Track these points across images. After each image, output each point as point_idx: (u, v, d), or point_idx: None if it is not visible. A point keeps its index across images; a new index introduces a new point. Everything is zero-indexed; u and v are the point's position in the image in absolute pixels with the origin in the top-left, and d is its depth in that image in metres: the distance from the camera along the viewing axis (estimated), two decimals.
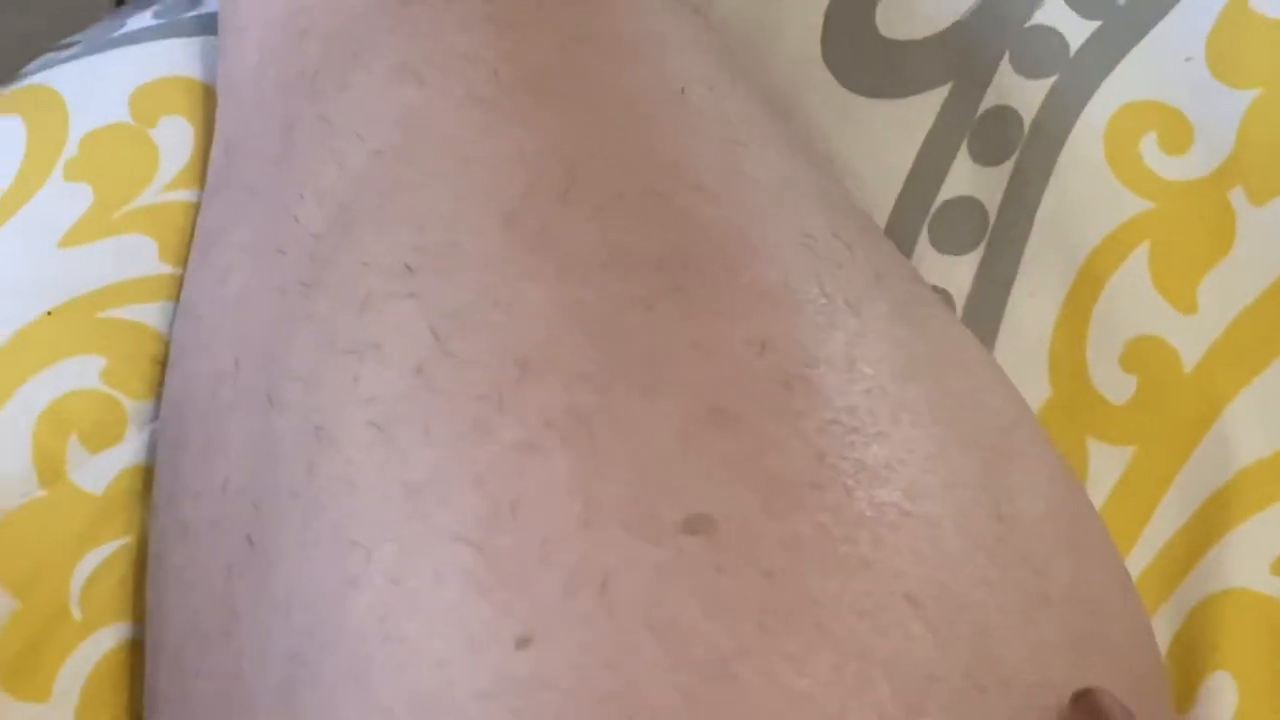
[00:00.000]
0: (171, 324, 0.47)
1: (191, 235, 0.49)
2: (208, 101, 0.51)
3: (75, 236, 0.48)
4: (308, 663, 0.35)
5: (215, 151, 0.45)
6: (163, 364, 0.48)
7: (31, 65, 0.56)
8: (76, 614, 0.45)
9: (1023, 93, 0.49)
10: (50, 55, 0.54)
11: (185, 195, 0.49)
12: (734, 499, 0.35)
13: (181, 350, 0.43)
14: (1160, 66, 0.49)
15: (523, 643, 0.33)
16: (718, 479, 0.35)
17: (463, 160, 0.40)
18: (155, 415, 0.49)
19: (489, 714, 0.33)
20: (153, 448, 0.48)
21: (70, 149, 0.50)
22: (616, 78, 0.43)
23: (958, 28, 0.50)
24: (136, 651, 0.46)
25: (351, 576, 0.34)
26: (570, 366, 0.36)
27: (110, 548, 0.46)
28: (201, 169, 0.51)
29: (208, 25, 0.53)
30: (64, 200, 0.49)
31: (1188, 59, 0.49)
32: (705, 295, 0.37)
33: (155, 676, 0.40)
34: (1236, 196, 0.47)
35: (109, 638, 0.45)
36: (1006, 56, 0.50)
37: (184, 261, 0.49)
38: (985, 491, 0.37)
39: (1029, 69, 0.50)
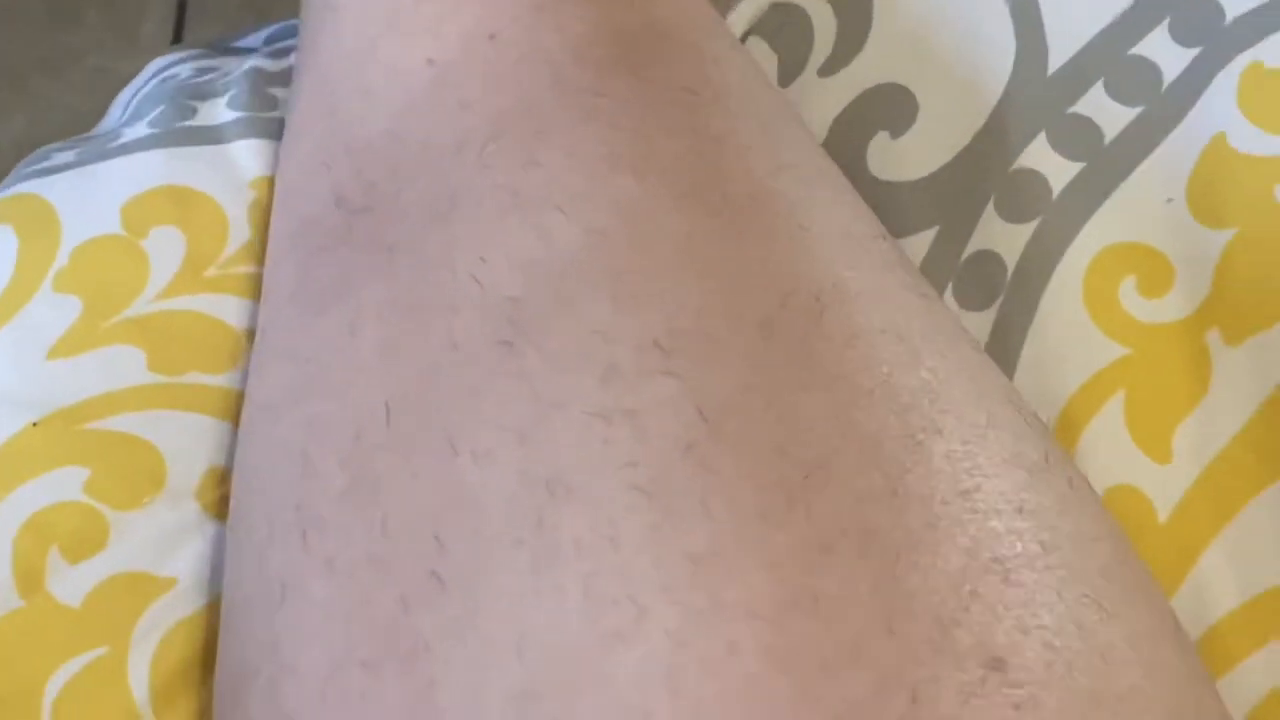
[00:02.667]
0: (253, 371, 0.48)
1: (258, 299, 0.50)
2: (200, 209, 0.51)
3: (63, 348, 0.49)
4: (548, 701, 0.35)
5: (311, 210, 0.45)
6: (150, 470, 0.48)
7: (25, 169, 0.54)
8: None
9: (1006, 237, 0.49)
10: (45, 164, 0.54)
11: (176, 304, 0.50)
12: (1015, 648, 0.36)
13: (293, 396, 0.43)
14: (1142, 208, 0.50)
15: None
16: (1004, 625, 0.36)
17: (702, 259, 0.41)
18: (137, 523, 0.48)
19: None
20: (133, 556, 0.47)
21: (60, 260, 0.50)
22: (828, 210, 0.44)
23: (946, 170, 0.51)
24: None
25: (617, 630, 0.35)
26: (854, 483, 0.37)
27: (84, 659, 0.45)
28: (193, 277, 0.51)
29: (204, 136, 0.53)
30: (53, 311, 0.49)
31: (1169, 200, 0.49)
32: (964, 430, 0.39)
33: (281, 701, 0.40)
34: (1212, 338, 0.48)
35: None
36: (991, 201, 0.50)
37: (174, 370, 0.49)
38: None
39: (1012, 213, 0.50)
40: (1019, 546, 0.38)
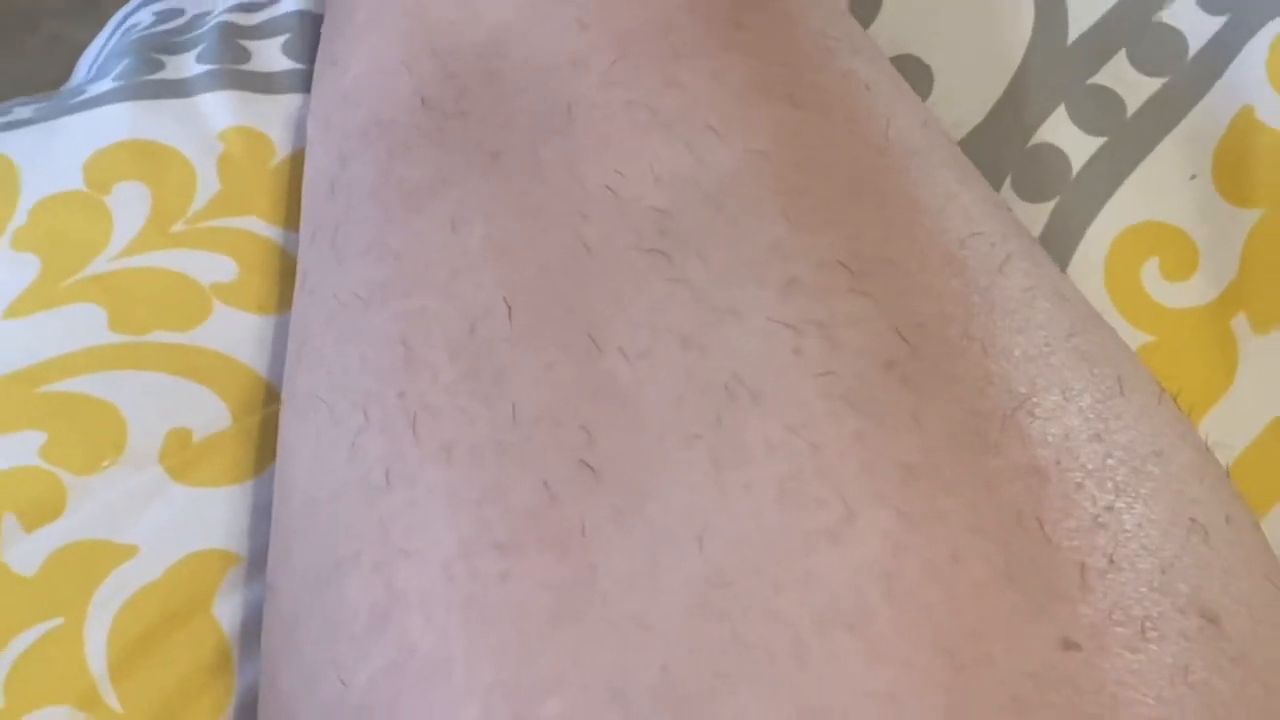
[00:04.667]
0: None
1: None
2: (167, 163, 0.52)
3: (20, 308, 0.50)
4: (740, 590, 0.36)
5: (388, 110, 0.46)
6: (110, 433, 0.49)
7: None
8: (0, 701, 0.46)
9: (1024, 216, 0.49)
10: (4, 118, 0.55)
11: (140, 260, 0.50)
12: (1225, 607, 0.38)
13: (384, 290, 0.44)
14: (1165, 185, 0.50)
15: (1068, 645, 0.35)
16: (1213, 584, 0.38)
17: (876, 190, 0.43)
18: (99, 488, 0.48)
19: (1013, 688, 0.35)
20: (92, 523, 0.48)
21: (19, 218, 0.51)
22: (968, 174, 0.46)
23: (961, 146, 0.51)
24: None
25: (824, 529, 0.36)
26: (1063, 421, 0.39)
27: (39, 630, 0.46)
28: (158, 233, 0.51)
29: (171, 89, 0.54)
30: (10, 270, 0.50)
31: (1193, 176, 0.50)
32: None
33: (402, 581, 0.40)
34: (1239, 325, 0.48)
35: None
36: (1009, 179, 0.51)
37: (137, 329, 0.50)
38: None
39: (1031, 192, 0.51)
40: (1208, 515, 0.39)
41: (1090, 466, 0.38)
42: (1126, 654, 0.35)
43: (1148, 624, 0.36)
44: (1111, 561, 0.37)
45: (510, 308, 0.41)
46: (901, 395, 0.39)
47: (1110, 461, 0.39)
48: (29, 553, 0.47)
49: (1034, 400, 0.39)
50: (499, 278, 0.42)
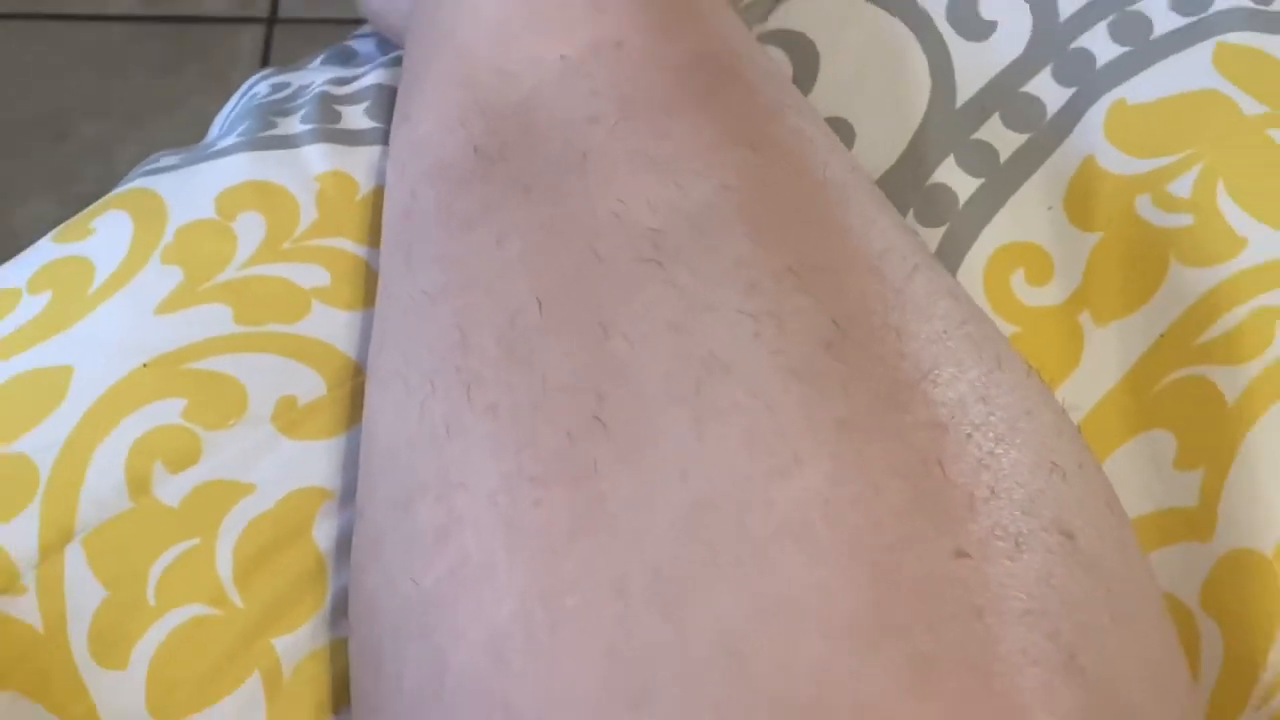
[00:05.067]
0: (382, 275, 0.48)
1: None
2: (278, 198, 0.52)
3: (167, 306, 0.50)
4: (718, 513, 0.36)
5: (449, 155, 0.46)
6: (235, 401, 0.49)
7: (139, 171, 0.56)
8: (151, 601, 0.46)
9: (924, 239, 0.49)
10: (156, 165, 0.55)
11: (257, 271, 0.51)
12: (1080, 528, 0.38)
13: (445, 290, 0.43)
14: (1029, 214, 0.50)
15: (960, 554, 0.36)
16: (1068, 510, 0.39)
17: (818, 215, 0.43)
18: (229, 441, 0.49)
19: (956, 572, 0.36)
20: (222, 467, 0.48)
21: (167, 238, 0.51)
22: (881, 202, 0.46)
23: (878, 185, 0.50)
24: (198, 627, 0.46)
25: (778, 469, 0.37)
26: (956, 388, 0.39)
27: (181, 548, 0.46)
28: (271, 250, 0.51)
29: (281, 143, 0.54)
30: (160, 278, 0.50)
31: (1050, 207, 0.50)
32: None
33: (453, 512, 0.40)
34: (1084, 319, 0.49)
35: (175, 618, 0.46)
36: (912, 210, 0.51)
37: (256, 322, 0.50)
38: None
39: (928, 219, 0.51)
40: (1065, 460, 0.40)
41: (977, 422, 0.39)
42: (1005, 561, 0.36)
43: (1020, 539, 0.37)
44: (993, 493, 0.37)
45: (540, 304, 0.41)
46: (835, 368, 0.39)
47: (992, 419, 0.39)
48: (174, 490, 0.47)
49: (935, 373, 0.40)
50: (531, 282, 0.42)
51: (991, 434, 0.39)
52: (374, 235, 0.52)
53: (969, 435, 0.38)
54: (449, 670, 0.38)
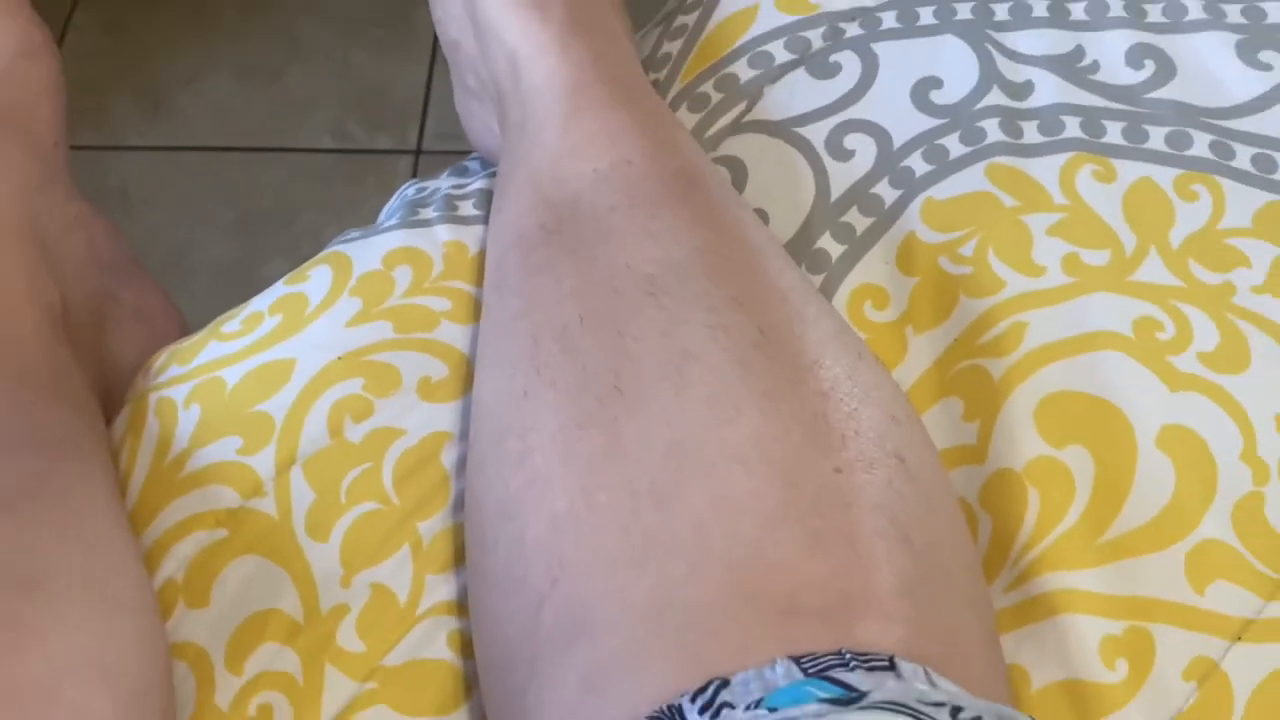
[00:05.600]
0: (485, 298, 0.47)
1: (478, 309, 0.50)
2: (418, 257, 0.53)
3: (353, 322, 0.50)
4: (691, 446, 0.37)
5: (524, 230, 0.45)
6: (393, 379, 0.49)
7: (335, 241, 0.55)
8: (342, 500, 0.46)
9: (812, 282, 0.49)
10: (346, 237, 0.55)
11: (408, 300, 0.51)
12: (906, 453, 0.39)
13: (521, 312, 0.43)
14: (875, 267, 0.51)
15: (838, 470, 0.36)
16: (895, 442, 0.39)
17: (756, 273, 0.43)
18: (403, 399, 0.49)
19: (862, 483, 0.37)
20: (387, 419, 0.48)
21: (352, 282, 0.52)
22: (795, 271, 0.45)
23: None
24: (371, 516, 0.46)
25: (727, 419, 0.37)
26: (820, 374, 0.39)
27: (360, 469, 0.47)
28: (416, 288, 0.52)
29: (421, 224, 0.54)
30: (348, 305, 0.51)
31: (887, 263, 0.51)
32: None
33: (525, 426, 0.40)
34: (909, 330, 0.49)
35: (357, 511, 0.46)
36: (804, 265, 0.51)
37: (406, 331, 0.50)
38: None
39: (813, 270, 0.51)
40: (900, 413, 0.41)
41: (846, 391, 0.39)
42: (864, 475, 0.37)
43: (873, 462, 0.37)
44: (856, 434, 0.38)
45: (581, 319, 0.41)
46: (760, 359, 0.39)
47: (856, 390, 0.40)
48: (356, 433, 0.48)
49: (822, 361, 0.40)
50: (576, 306, 0.41)
51: (855, 399, 0.39)
52: (478, 279, 0.51)
53: (841, 399, 0.39)
54: (526, 540, 0.38)
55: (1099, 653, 0.41)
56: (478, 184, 0.56)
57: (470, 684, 0.43)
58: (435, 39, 1.25)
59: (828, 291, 0.50)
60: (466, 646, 0.43)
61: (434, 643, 0.44)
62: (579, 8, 0.49)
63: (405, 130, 1.26)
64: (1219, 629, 0.42)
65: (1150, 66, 0.55)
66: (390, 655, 0.43)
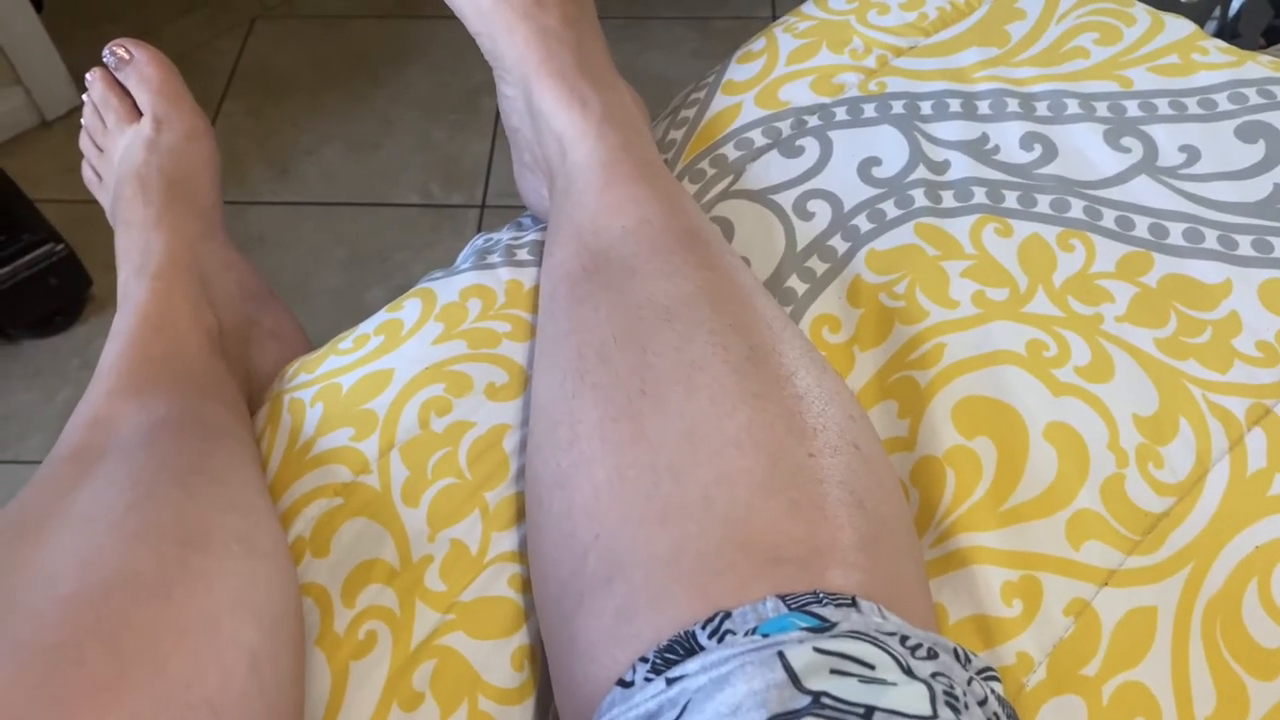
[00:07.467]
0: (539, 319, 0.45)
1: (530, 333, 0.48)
2: (487, 291, 0.51)
3: (437, 341, 0.49)
4: (700, 433, 0.35)
5: (570, 271, 0.44)
6: (467, 384, 0.47)
7: (422, 280, 0.53)
8: (429, 476, 0.45)
9: (785, 312, 0.46)
10: (431, 277, 0.53)
11: (479, 324, 0.50)
12: (860, 444, 0.37)
13: (567, 334, 0.42)
14: (832, 302, 0.50)
15: (810, 455, 0.35)
16: (850, 436, 0.37)
17: (742, 302, 0.41)
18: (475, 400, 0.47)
19: (832, 463, 0.35)
20: (463, 414, 0.46)
21: (437, 310, 0.50)
22: (777, 308, 0.43)
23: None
24: (450, 488, 0.45)
25: (727, 413, 0.36)
26: (795, 384, 0.37)
27: (442, 452, 0.45)
28: (489, 310, 0.50)
29: (490, 266, 0.52)
30: (433, 328, 0.50)
31: (840, 298, 0.50)
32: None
33: (573, 418, 0.38)
34: (856, 349, 0.49)
35: (440, 484, 0.45)
36: (777, 299, 0.48)
37: (477, 348, 0.48)
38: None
39: (784, 303, 0.49)
40: (855, 412, 0.39)
41: (815, 395, 0.38)
42: (830, 458, 0.35)
43: (836, 449, 0.36)
44: (824, 427, 0.36)
45: (615, 338, 0.39)
46: (751, 369, 0.37)
47: (822, 394, 0.38)
48: (440, 425, 0.46)
49: (797, 372, 0.38)
50: (610, 328, 0.40)
51: (822, 401, 0.38)
52: (532, 308, 0.50)
53: (812, 401, 0.37)
54: (574, 504, 0.36)
55: (1000, 595, 0.41)
56: (530, 236, 0.55)
57: (527, 614, 0.42)
58: (496, 119, 1.28)
59: (795, 319, 0.50)
60: (524, 585, 0.43)
61: (498, 583, 0.43)
62: (612, 106, 0.49)
63: (473, 190, 1.26)
64: (1091, 577, 0.41)
65: (1038, 149, 0.55)
66: (465, 593, 0.43)
